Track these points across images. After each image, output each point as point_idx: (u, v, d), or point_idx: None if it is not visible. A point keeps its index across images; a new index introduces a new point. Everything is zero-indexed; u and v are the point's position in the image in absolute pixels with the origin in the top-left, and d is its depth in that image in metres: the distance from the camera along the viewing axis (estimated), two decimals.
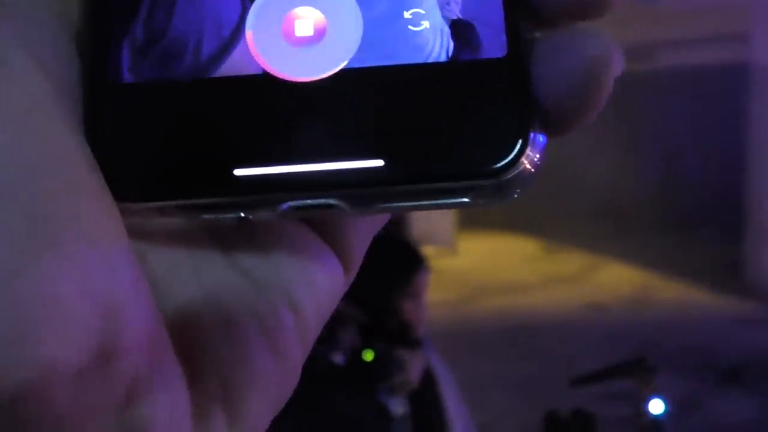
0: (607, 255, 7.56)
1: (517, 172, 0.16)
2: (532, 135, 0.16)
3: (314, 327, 0.19)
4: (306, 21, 0.17)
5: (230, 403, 0.17)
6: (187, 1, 0.17)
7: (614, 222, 9.39)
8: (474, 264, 7.35)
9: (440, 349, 1.59)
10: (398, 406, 1.35)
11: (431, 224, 7.97)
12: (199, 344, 0.17)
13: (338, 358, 1.28)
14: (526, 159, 0.16)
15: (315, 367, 1.27)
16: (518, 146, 0.16)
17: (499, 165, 0.16)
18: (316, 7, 0.17)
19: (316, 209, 0.17)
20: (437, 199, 0.17)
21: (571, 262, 7.55)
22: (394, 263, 1.38)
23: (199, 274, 0.17)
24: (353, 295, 1.26)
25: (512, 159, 0.16)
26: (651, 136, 9.97)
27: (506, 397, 3.05)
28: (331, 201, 0.16)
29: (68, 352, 0.14)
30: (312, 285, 0.18)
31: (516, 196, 0.17)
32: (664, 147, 10.07)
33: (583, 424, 1.01)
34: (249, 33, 0.17)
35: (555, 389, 3.19)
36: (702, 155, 10.03)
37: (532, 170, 0.16)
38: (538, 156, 0.17)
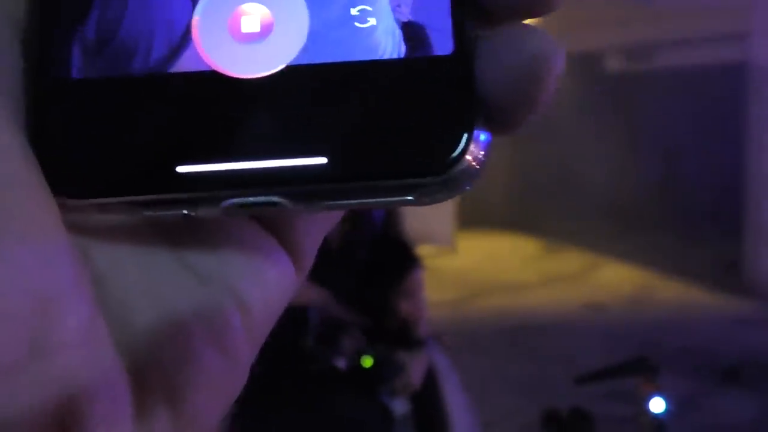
0: (607, 254, 7.56)
1: (461, 169, 0.16)
2: (475, 132, 0.16)
3: (263, 325, 0.18)
4: (252, 17, 0.17)
5: (174, 401, 0.17)
6: (138, 2, 0.17)
7: (614, 222, 9.37)
8: (474, 263, 7.34)
9: (440, 348, 1.59)
10: (400, 407, 1.35)
11: (430, 223, 7.97)
12: (143, 341, 0.17)
13: (341, 363, 1.29)
14: (470, 156, 0.16)
15: (317, 371, 1.27)
16: (462, 143, 0.16)
17: (442, 162, 0.16)
18: (263, 4, 0.17)
19: (260, 207, 0.16)
20: (381, 197, 0.16)
21: (571, 261, 7.54)
22: (388, 262, 1.38)
23: (145, 271, 0.17)
24: (350, 297, 1.27)
25: (456, 156, 0.16)
26: (651, 135, 9.96)
27: (506, 396, 3.05)
28: (274, 198, 0.16)
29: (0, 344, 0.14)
30: (261, 283, 0.18)
31: (465, 190, 0.17)
32: (665, 147, 10.06)
33: (580, 422, 1.01)
34: (195, 29, 0.17)
35: (555, 388, 3.18)
36: (702, 155, 10.02)
37: (477, 167, 0.16)
38: (482, 153, 0.16)
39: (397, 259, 1.37)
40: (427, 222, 7.96)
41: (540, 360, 4.01)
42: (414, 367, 1.32)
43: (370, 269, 1.35)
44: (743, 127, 5.96)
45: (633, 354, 3.88)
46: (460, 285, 6.29)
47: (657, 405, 0.94)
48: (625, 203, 9.72)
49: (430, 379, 1.38)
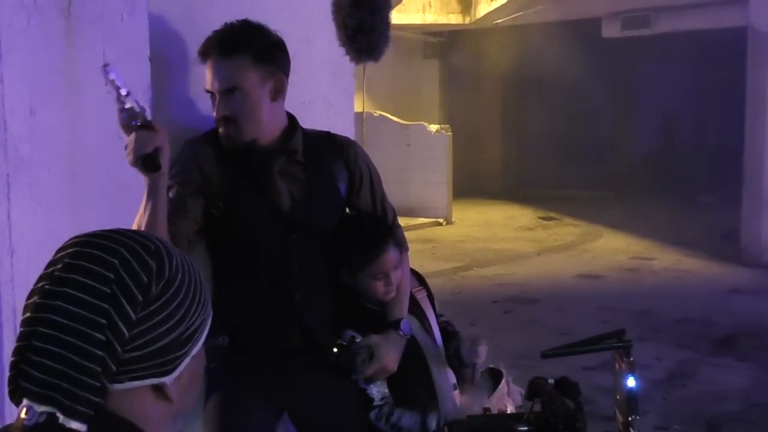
0: (603, 224, 7.52)
1: None
2: None
3: None
4: None
5: None
6: None
7: (611, 191, 9.34)
8: (470, 234, 7.30)
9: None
10: (377, 391, 1.31)
11: (428, 195, 7.94)
12: None
13: None
14: None
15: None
16: None
17: None
18: None
19: None
20: None
21: (567, 231, 7.50)
22: (359, 245, 1.32)
23: None
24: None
25: None
26: (649, 102, 9.89)
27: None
28: None
29: None
30: None
31: None
32: (663, 114, 10.00)
33: (566, 391, 0.98)
34: None
35: (551, 359, 3.14)
36: (700, 122, 9.95)
37: None
38: None
39: (368, 241, 1.30)
40: (424, 193, 7.93)
41: (534, 330, 3.97)
42: (387, 351, 1.27)
43: (342, 247, 1.29)
44: (741, 94, 5.90)
45: (627, 324, 3.85)
46: (456, 255, 6.27)
47: (630, 381, 0.92)
48: (621, 172, 9.68)
49: (416, 358, 1.32)
